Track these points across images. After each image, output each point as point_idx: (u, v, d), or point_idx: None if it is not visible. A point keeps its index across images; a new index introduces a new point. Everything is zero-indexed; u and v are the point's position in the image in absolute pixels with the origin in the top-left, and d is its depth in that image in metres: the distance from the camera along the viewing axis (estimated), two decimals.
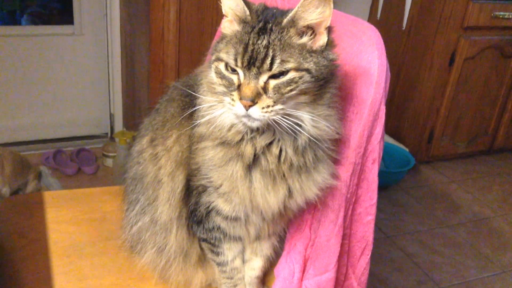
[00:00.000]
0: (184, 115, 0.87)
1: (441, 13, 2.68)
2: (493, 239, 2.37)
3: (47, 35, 2.64)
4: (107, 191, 1.34)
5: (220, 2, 0.80)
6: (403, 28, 2.95)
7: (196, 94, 0.84)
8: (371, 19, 3.18)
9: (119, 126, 2.86)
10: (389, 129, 3.14)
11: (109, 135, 2.92)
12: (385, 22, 3.09)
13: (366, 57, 0.86)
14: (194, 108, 0.84)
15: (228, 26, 0.81)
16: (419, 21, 2.85)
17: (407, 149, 2.92)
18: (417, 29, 2.87)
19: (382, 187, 2.72)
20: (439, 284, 2.03)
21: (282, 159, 0.82)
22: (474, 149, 3.12)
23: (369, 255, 0.99)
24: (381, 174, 2.83)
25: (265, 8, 0.81)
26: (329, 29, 0.79)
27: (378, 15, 3.14)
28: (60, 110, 2.80)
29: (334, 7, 2.47)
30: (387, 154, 2.85)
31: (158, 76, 2.22)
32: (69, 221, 1.19)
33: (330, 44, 0.79)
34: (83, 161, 2.62)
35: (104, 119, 2.91)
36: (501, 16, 2.65)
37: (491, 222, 2.52)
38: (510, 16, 2.68)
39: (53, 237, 1.13)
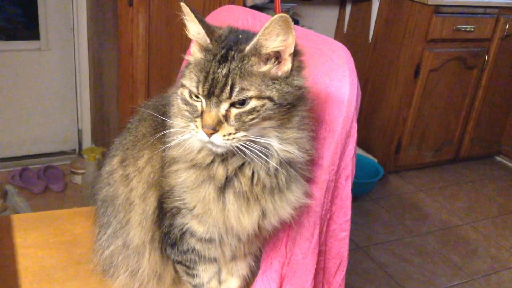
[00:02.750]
0: (156, 136, 0.87)
1: (406, 26, 2.76)
2: (461, 246, 2.43)
3: (12, 51, 2.60)
4: (76, 213, 1.31)
5: (186, 30, 0.80)
6: (369, 41, 3.02)
7: (165, 119, 0.84)
8: (338, 32, 3.25)
9: (87, 142, 2.83)
10: (357, 140, 3.17)
11: (77, 151, 2.87)
12: (351, 36, 3.16)
13: (337, 75, 0.88)
14: (165, 131, 0.84)
15: (195, 52, 0.81)
16: (385, 34, 2.92)
17: (375, 160, 2.97)
18: (382, 42, 2.94)
19: (352, 198, 2.75)
20: None
21: (255, 180, 0.82)
22: (440, 158, 3.21)
23: (344, 271, 1.00)
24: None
25: (230, 32, 0.81)
26: (296, 53, 0.79)
27: (345, 29, 3.20)
28: (26, 127, 2.75)
29: (302, 22, 2.49)
30: (356, 165, 2.88)
31: (128, 91, 2.21)
32: (38, 245, 1.16)
33: (296, 69, 0.79)
34: (51, 178, 2.57)
35: (71, 135, 2.86)
36: (463, 29, 2.75)
37: (458, 230, 2.58)
38: (472, 29, 2.77)
39: (22, 262, 1.10)
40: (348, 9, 3.15)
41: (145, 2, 2.06)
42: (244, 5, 2.43)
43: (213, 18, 1.18)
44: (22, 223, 1.22)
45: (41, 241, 1.17)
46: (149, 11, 2.07)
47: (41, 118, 2.76)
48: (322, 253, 0.97)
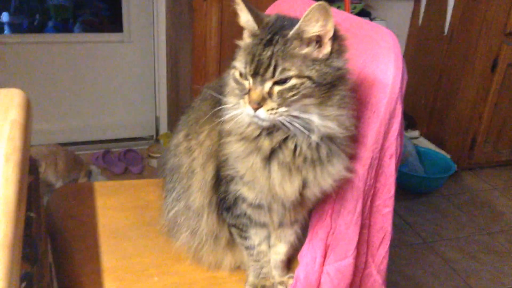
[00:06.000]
0: (212, 111, 0.97)
1: (483, 18, 2.68)
2: None
3: (98, 42, 2.78)
4: (150, 183, 1.45)
5: (238, 18, 0.89)
6: (445, 34, 2.95)
7: (221, 97, 0.94)
8: (413, 25, 3.20)
9: (164, 128, 2.98)
10: (430, 135, 3.13)
11: (154, 137, 3.04)
12: (426, 28, 3.10)
13: (383, 60, 0.93)
14: (220, 107, 0.94)
15: (245, 37, 0.90)
16: (461, 27, 2.85)
17: (448, 156, 2.91)
18: (459, 35, 2.87)
19: (422, 193, 2.73)
20: None
21: (297, 153, 0.89)
22: None
23: (388, 245, 1.05)
24: (421, 180, 2.83)
25: (277, 19, 0.89)
26: (337, 37, 0.86)
27: (420, 21, 3.15)
28: (109, 113, 2.94)
29: (374, 14, 2.51)
30: (428, 160, 2.86)
31: (200, 81, 2.30)
32: (116, 207, 1.31)
33: (336, 52, 0.86)
34: (130, 161, 2.75)
35: (150, 122, 3.03)
36: None
37: None
38: None
39: (101, 221, 1.25)
40: (423, 1, 3.10)
41: None
42: None
43: (273, 9, 1.27)
44: (103, 189, 1.38)
45: (118, 205, 1.32)
46: (222, 4, 2.17)
47: (123, 106, 2.94)
48: (366, 226, 1.03)
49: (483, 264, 2.20)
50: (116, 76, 2.87)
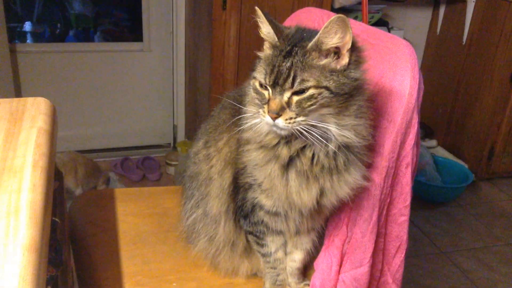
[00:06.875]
0: (232, 121, 1.00)
1: (502, 28, 2.67)
2: None
3: (118, 51, 2.83)
4: (168, 190, 1.49)
5: (259, 30, 0.91)
6: (463, 43, 2.95)
7: (241, 106, 0.96)
8: (431, 34, 3.20)
9: (181, 136, 3.02)
10: (448, 145, 3.12)
11: (172, 145, 3.08)
12: (445, 37, 3.10)
13: (400, 70, 0.94)
14: (240, 116, 0.96)
15: (265, 49, 0.92)
16: (480, 36, 2.84)
17: (466, 165, 2.89)
18: (477, 44, 2.86)
19: (440, 203, 2.71)
20: None
21: (314, 161, 0.91)
22: None
23: (404, 254, 1.06)
24: (438, 189, 2.80)
25: (297, 31, 0.91)
26: (355, 49, 0.87)
27: (438, 30, 3.15)
28: (128, 121, 2.98)
29: (392, 24, 2.52)
30: (445, 170, 2.84)
31: (219, 89, 2.35)
32: (135, 214, 1.34)
33: (354, 63, 0.87)
34: (148, 168, 2.78)
35: (167, 130, 3.07)
36: None
37: None
38: None
39: (121, 227, 1.28)
40: (442, 10, 3.10)
41: (237, 6, 2.20)
42: (332, 7, 2.50)
43: (292, 19, 1.29)
44: (123, 196, 1.41)
45: (137, 211, 1.35)
46: (241, 15, 2.21)
47: (141, 114, 2.98)
48: (382, 235, 1.04)
49: (501, 275, 2.17)
50: (135, 85, 2.92)
